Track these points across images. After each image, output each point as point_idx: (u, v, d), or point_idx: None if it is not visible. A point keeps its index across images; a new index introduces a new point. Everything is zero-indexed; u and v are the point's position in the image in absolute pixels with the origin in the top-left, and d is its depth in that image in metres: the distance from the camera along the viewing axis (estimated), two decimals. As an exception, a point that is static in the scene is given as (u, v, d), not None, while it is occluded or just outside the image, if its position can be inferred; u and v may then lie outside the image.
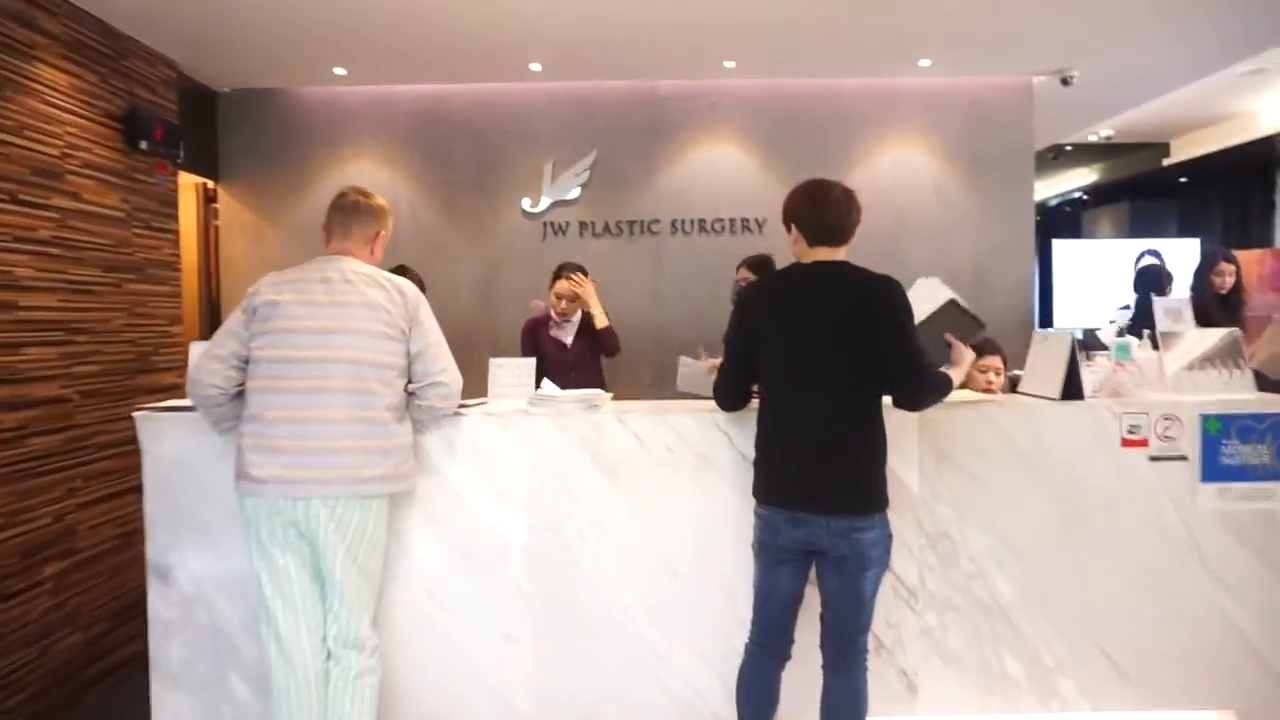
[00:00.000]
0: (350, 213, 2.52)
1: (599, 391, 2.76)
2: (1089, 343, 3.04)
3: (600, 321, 3.94)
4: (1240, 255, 6.17)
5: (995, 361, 3.21)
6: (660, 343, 5.18)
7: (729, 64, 4.94)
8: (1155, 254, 6.91)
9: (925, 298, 2.52)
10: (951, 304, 2.52)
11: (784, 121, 5.34)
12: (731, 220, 5.38)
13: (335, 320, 2.32)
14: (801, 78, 5.26)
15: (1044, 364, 2.79)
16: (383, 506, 2.39)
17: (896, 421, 2.25)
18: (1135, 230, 9.72)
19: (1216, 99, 6.45)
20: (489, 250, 5.42)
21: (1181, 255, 8.42)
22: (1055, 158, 8.53)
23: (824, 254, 2.28)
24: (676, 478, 2.62)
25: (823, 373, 2.19)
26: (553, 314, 4.00)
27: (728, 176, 5.38)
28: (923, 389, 2.20)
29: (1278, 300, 7.05)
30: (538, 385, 2.80)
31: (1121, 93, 5.84)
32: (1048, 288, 8.42)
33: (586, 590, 2.63)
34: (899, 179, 5.34)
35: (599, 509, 2.63)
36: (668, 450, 2.62)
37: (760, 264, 3.95)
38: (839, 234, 2.27)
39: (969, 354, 2.43)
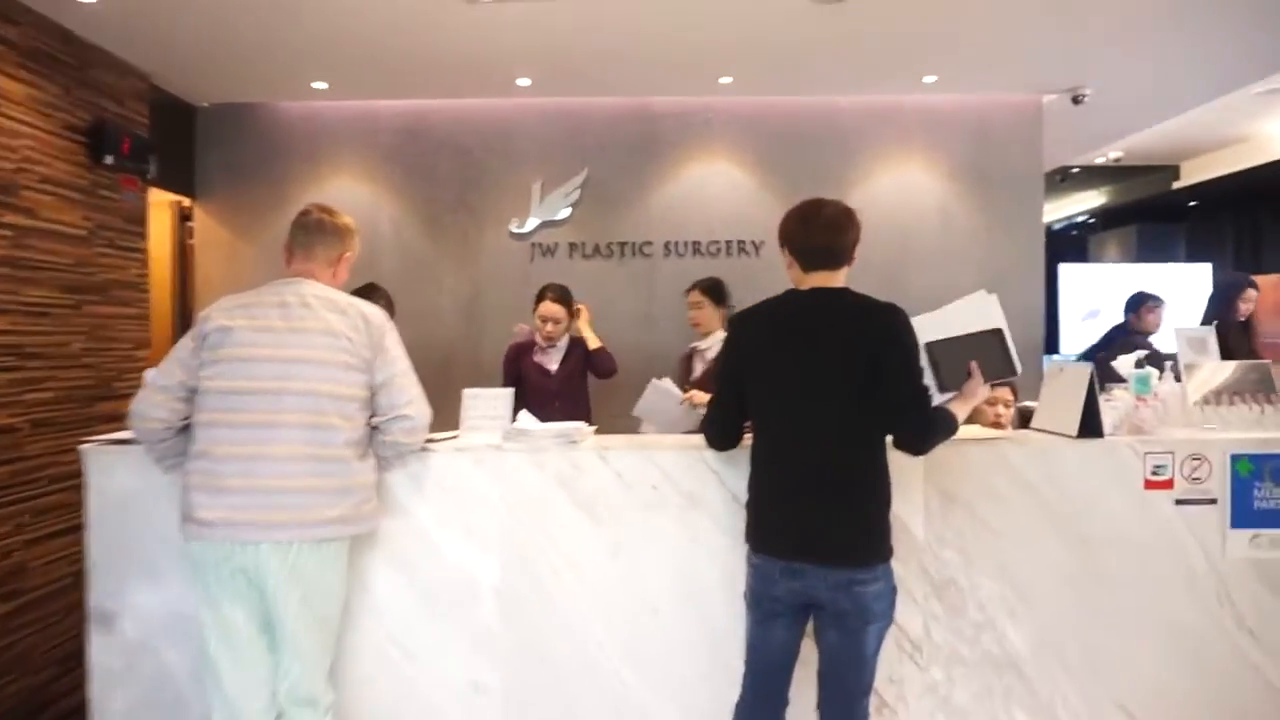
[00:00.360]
0: (313, 231, 2.37)
1: (579, 425, 2.59)
2: (1103, 373, 2.88)
3: (594, 343, 3.79)
4: (1261, 282, 6.03)
5: (1005, 393, 3.05)
6: (651, 369, 4.94)
7: (724, 80, 4.82)
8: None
9: (972, 314, 2.35)
10: (996, 334, 2.35)
11: (782, 140, 5.22)
12: (727, 243, 5.24)
13: (292, 349, 2.17)
14: (801, 94, 5.14)
15: (1060, 398, 2.63)
16: (342, 550, 2.22)
17: (899, 461, 2.08)
18: (1143, 255, 9.60)
19: (1228, 121, 6.35)
20: (474, 271, 5.27)
21: (1189, 281, 8.32)
22: (1062, 180, 8.43)
23: (821, 279, 2.13)
24: (661, 518, 2.46)
25: (820, 410, 2.03)
26: (537, 338, 3.85)
27: (723, 197, 5.25)
28: (927, 431, 2.03)
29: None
30: (517, 416, 2.64)
31: (1133, 113, 5.73)
32: (1053, 314, 8.28)
33: (562, 637, 2.46)
34: (903, 200, 5.21)
35: (576, 550, 2.46)
36: (652, 489, 2.46)
37: (711, 287, 3.78)
38: (833, 257, 2.11)
39: (983, 391, 2.26)
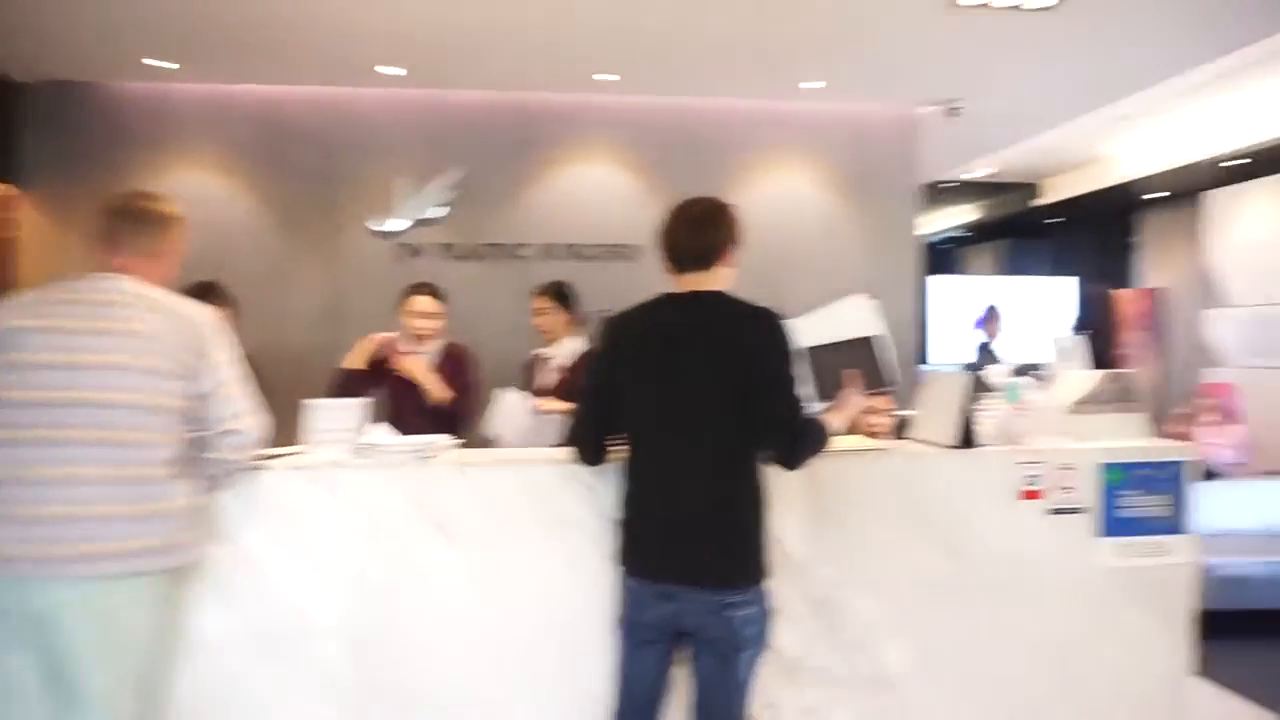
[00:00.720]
0: (129, 220, 2.08)
1: (436, 438, 2.38)
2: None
3: (435, 392, 3.31)
4: (1118, 295, 6.34)
5: (883, 402, 3.01)
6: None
7: (603, 77, 4.69)
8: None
9: (850, 319, 2.27)
10: (874, 341, 2.28)
11: (666, 142, 5.14)
12: (607, 246, 5.11)
13: (86, 353, 1.87)
14: (684, 95, 5.07)
15: (936, 407, 2.60)
16: (155, 586, 1.93)
17: (775, 474, 1.98)
18: (1013, 268, 10.06)
19: (1085, 142, 6.69)
20: (336, 272, 4.95)
21: (1056, 294, 8.76)
22: (938, 193, 8.72)
23: (694, 281, 2.00)
24: (529, 540, 2.28)
25: (693, 421, 1.90)
26: (399, 344, 3.57)
27: (604, 199, 5.12)
28: (802, 445, 1.93)
29: (1147, 338, 7.35)
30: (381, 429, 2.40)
31: (1002, 128, 5.95)
32: (923, 325, 8.57)
33: (417, 675, 2.24)
34: (784, 207, 5.22)
35: (432, 578, 2.25)
36: (519, 508, 2.27)
37: (558, 291, 3.64)
38: (704, 256, 1.99)
39: (861, 401, 2.19)
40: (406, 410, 3.21)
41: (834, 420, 2.07)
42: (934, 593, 2.42)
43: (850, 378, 2.18)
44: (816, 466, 2.18)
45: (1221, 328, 6.62)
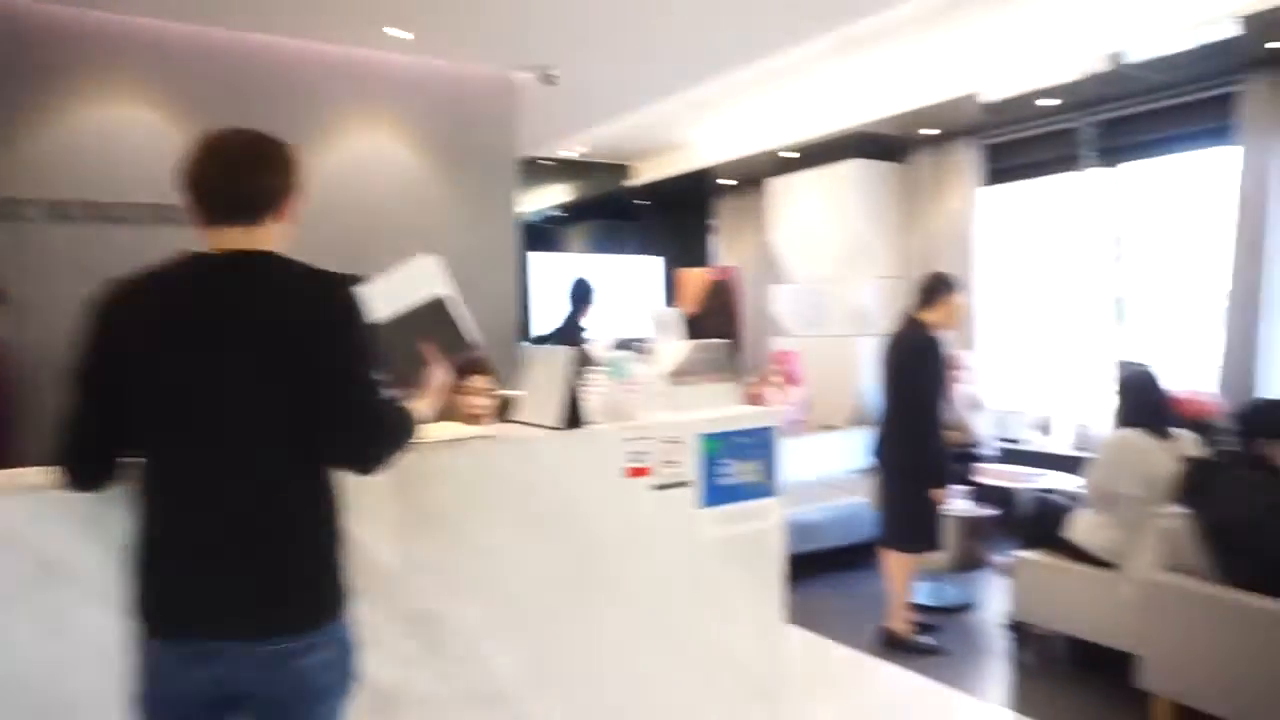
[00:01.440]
0: None
1: None
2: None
3: None
4: (687, 272, 6.81)
5: (483, 381, 2.77)
6: (23, 376, 3.80)
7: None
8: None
9: (413, 284, 1.92)
10: (443, 302, 1.96)
11: (222, 84, 4.37)
12: (145, 206, 4.19)
13: None
14: (250, 30, 4.34)
15: (541, 386, 2.41)
16: None
17: (351, 478, 1.62)
18: (605, 247, 10.54)
19: (669, 128, 7.13)
20: None
21: (641, 272, 9.34)
22: (536, 171, 8.77)
23: (234, 239, 1.54)
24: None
25: (232, 422, 1.47)
26: None
27: (138, 148, 4.21)
28: (382, 442, 1.58)
29: (732, 314, 8.11)
30: None
31: (598, 104, 6.05)
32: (524, 301, 8.65)
33: None
34: (369, 170, 4.73)
35: None
36: (-17, 555, 1.63)
37: None
38: (245, 206, 1.54)
39: (445, 379, 1.89)
40: None
41: (420, 406, 1.75)
42: (548, 588, 2.24)
43: (429, 351, 1.87)
44: (412, 461, 1.86)
45: (783, 301, 7.50)
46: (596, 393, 2.45)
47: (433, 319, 1.90)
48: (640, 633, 2.39)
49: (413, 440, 1.65)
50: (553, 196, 10.02)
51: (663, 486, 2.42)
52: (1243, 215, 5.00)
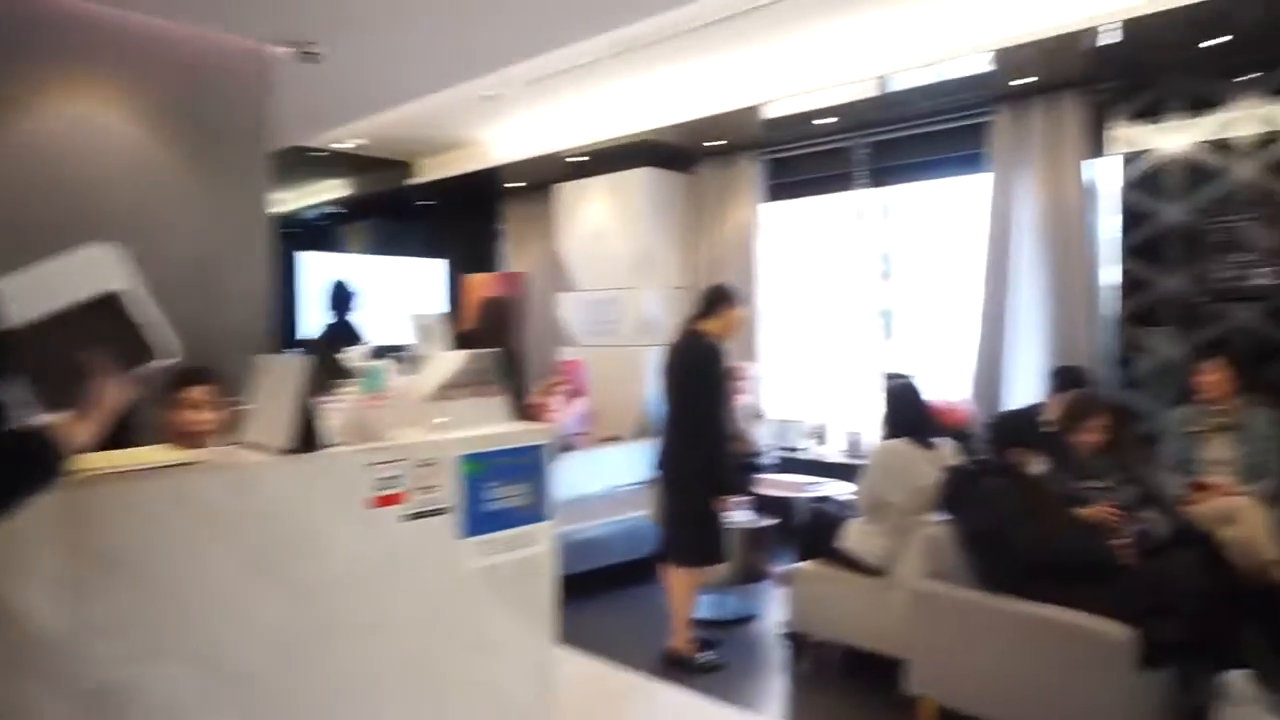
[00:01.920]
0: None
1: None
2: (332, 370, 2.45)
3: None
4: (473, 278, 6.52)
5: (200, 393, 2.37)
6: None
7: None
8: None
9: (75, 278, 1.54)
10: (116, 302, 1.58)
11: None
12: None
13: None
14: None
15: (273, 402, 2.07)
16: None
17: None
18: (388, 249, 9.98)
19: (455, 124, 6.79)
20: None
21: (425, 276, 8.93)
22: (308, 163, 8.12)
23: None
24: None
25: None
26: None
27: None
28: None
29: (517, 322, 7.85)
30: None
31: (370, 91, 5.61)
32: (293, 305, 8.04)
33: None
34: (84, 144, 4.02)
35: None
36: None
37: None
38: None
39: (116, 395, 1.53)
40: None
41: (77, 431, 1.39)
42: (273, 643, 1.90)
43: (93, 361, 1.51)
44: (89, 496, 1.48)
45: (571, 310, 7.36)
46: (338, 409, 2.15)
47: (104, 321, 1.53)
48: (393, 681, 2.10)
49: (52, 477, 1.29)
50: (329, 192, 9.35)
51: (417, 515, 2.15)
52: (992, 239, 5.41)
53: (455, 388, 2.52)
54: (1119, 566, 3.14)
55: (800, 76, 5.25)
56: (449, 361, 2.58)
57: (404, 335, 2.80)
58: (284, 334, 6.33)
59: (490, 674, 2.32)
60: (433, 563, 2.19)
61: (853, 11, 4.55)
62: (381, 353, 2.69)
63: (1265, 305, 4.56)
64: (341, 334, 4.54)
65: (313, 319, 7.74)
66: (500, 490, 2.31)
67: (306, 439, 1.96)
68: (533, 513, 2.38)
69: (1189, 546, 3.34)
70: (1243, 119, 4.61)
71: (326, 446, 2.00)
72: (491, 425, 2.41)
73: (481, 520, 2.28)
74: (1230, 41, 4.35)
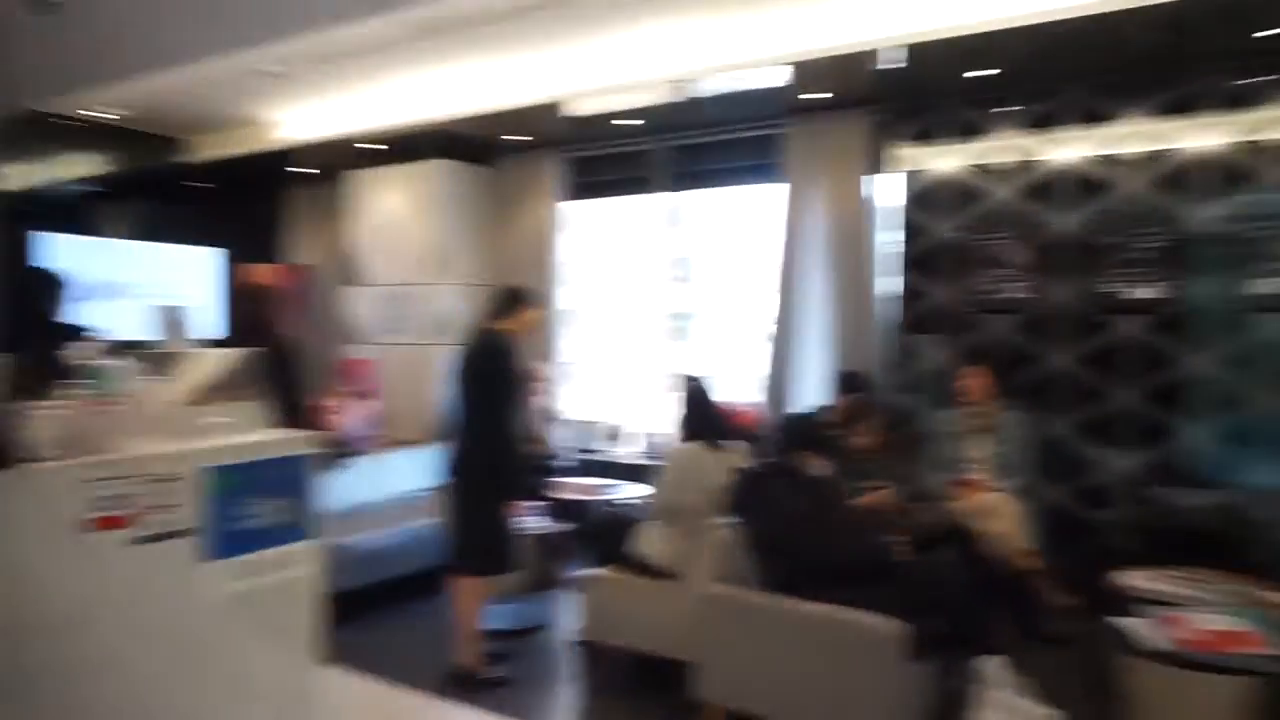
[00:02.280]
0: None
1: None
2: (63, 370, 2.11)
3: None
4: (257, 269, 6.01)
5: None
6: None
7: None
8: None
9: None
10: None
11: None
12: None
13: None
14: None
15: None
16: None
17: None
18: (155, 234, 9.05)
19: (234, 100, 6.24)
20: None
21: (198, 265, 8.21)
22: (54, 132, 7.19)
23: None
24: None
25: None
26: None
27: None
28: None
29: (300, 318, 7.33)
30: None
31: (120, 51, 5.00)
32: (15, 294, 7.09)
33: None
34: None
35: None
36: None
37: None
38: None
39: None
40: None
41: None
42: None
43: None
44: None
45: (361, 305, 6.97)
46: (50, 418, 1.85)
47: None
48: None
49: None
50: (81, 167, 8.35)
51: (151, 539, 1.88)
52: (785, 247, 5.63)
53: (209, 390, 2.25)
54: (894, 564, 3.31)
55: (601, 75, 5.21)
56: (201, 361, 2.31)
57: (143, 329, 2.49)
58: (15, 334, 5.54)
59: (245, 714, 2.09)
60: (170, 591, 1.93)
61: (655, 15, 4.56)
62: (122, 350, 2.36)
63: (1016, 318, 5.02)
64: (49, 329, 3.83)
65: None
66: (255, 507, 2.08)
67: (1, 452, 1.66)
68: (293, 530, 2.16)
69: (953, 542, 3.59)
70: (1004, 147, 5.05)
71: (27, 461, 1.71)
72: (246, 433, 2.17)
73: (232, 541, 2.04)
74: (999, 75, 4.74)
